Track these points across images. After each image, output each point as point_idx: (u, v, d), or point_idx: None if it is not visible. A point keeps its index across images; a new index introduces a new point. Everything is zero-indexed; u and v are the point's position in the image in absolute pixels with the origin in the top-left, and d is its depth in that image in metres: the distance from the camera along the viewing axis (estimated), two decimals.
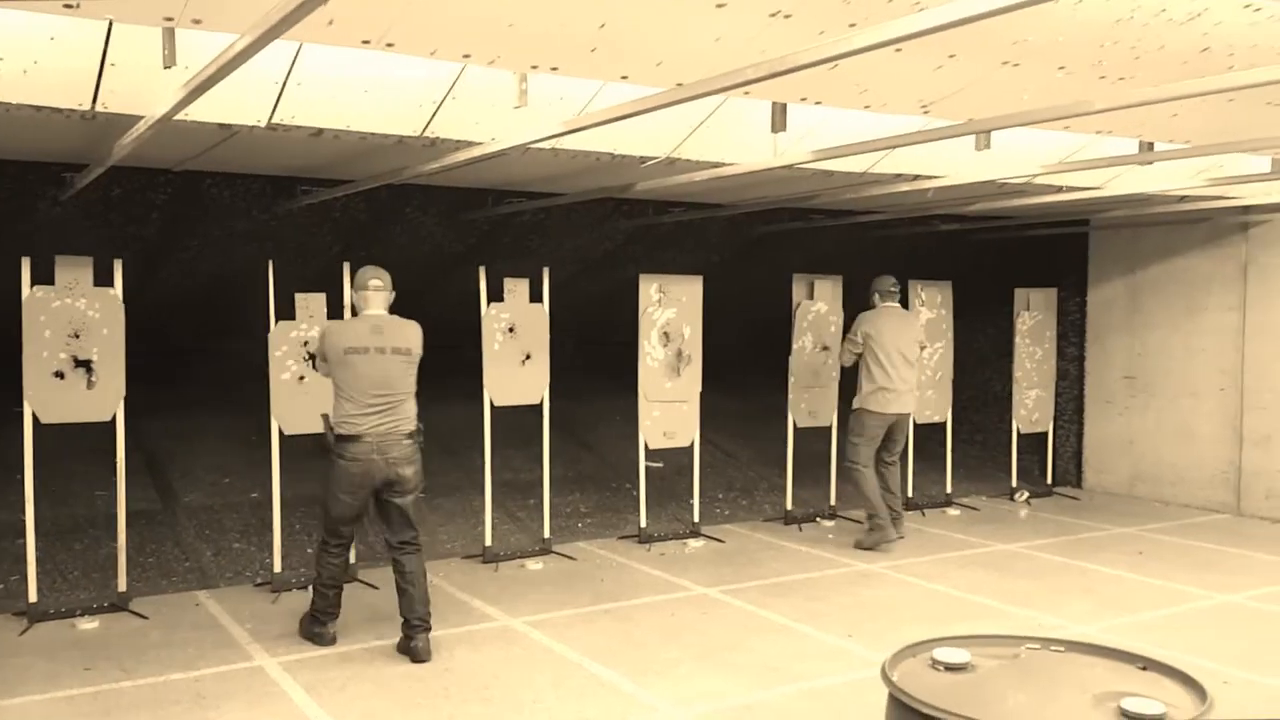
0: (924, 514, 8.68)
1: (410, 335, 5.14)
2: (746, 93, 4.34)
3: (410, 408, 5.09)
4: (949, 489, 9.08)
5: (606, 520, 8.10)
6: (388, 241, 7.88)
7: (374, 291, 5.12)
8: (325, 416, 5.09)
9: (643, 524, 7.62)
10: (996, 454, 9.98)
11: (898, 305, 7.67)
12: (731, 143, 5.46)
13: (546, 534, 7.25)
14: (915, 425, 8.80)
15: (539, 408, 7.16)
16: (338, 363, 5.00)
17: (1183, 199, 7.60)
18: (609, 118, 3.83)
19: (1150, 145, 5.73)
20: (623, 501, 8.34)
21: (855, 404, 7.54)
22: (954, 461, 9.21)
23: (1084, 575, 6.82)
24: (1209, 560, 7.21)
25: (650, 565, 7.02)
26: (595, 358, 9.61)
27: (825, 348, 8.38)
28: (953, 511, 8.80)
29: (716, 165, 5.47)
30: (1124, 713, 1.98)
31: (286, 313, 6.17)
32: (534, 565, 6.93)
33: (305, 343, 6.19)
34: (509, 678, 4.87)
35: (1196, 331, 8.92)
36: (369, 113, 4.47)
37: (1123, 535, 8.03)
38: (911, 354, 7.54)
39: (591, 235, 8.57)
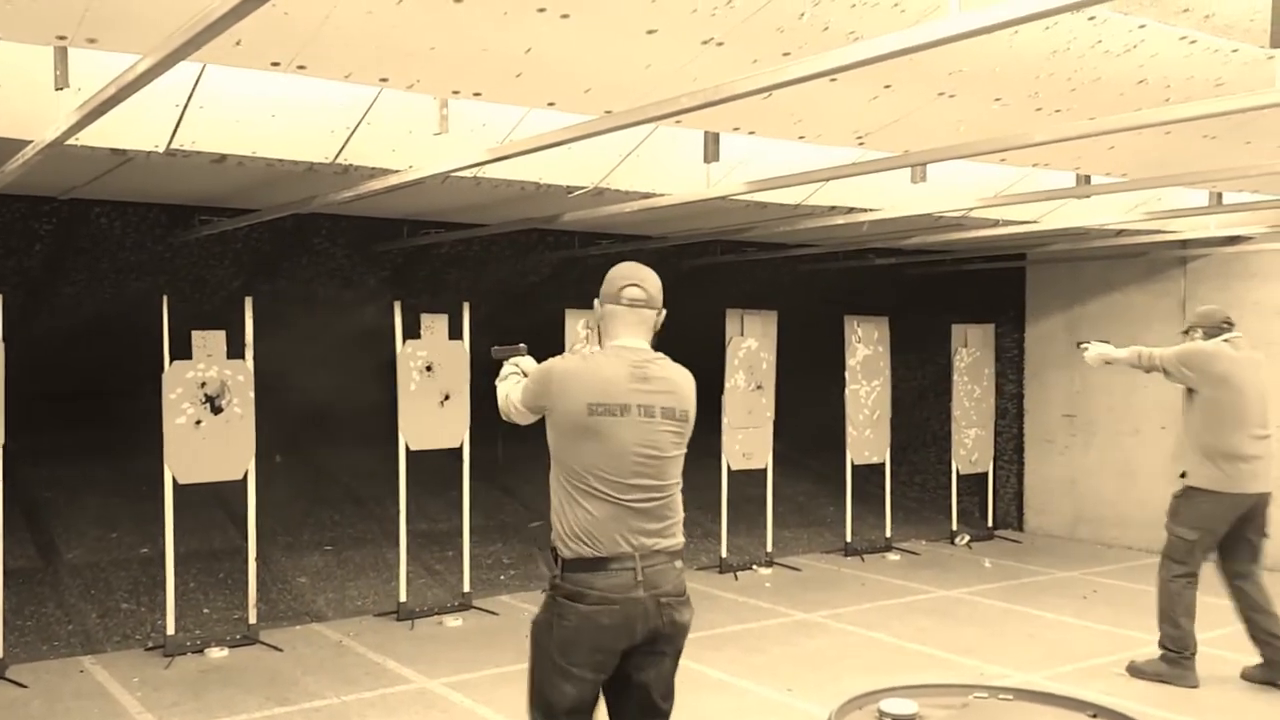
0: (863, 559, 8.79)
1: (685, 390, 3.17)
2: (678, 121, 4.42)
3: (679, 504, 3.17)
4: (888, 533, 9.22)
5: (531, 571, 8.04)
6: (293, 274, 7.79)
7: (632, 307, 3.11)
8: (539, 530, 3.42)
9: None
10: (936, 496, 10.17)
11: (1241, 345, 5.82)
12: (662, 173, 5.55)
13: (466, 588, 7.17)
14: (853, 466, 8.96)
15: (457, 452, 7.10)
16: (572, 430, 3.03)
17: (1120, 233, 7.91)
18: (534, 146, 3.87)
19: (1087, 179, 5.97)
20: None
21: (1187, 481, 5.69)
22: (893, 504, 9.37)
23: (1028, 621, 6.97)
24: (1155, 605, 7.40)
25: None
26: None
27: (759, 386, 8.48)
28: (893, 556, 8.93)
29: (647, 196, 5.55)
30: None
31: (182, 352, 6.04)
32: (453, 622, 6.84)
33: (203, 384, 6.07)
34: None
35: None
36: (276, 138, 4.44)
37: (1066, 579, 8.23)
38: (1271, 413, 5.79)
39: (515, 268, 8.58)
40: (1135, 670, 5.82)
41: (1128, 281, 9.27)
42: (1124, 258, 9.11)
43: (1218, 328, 5.77)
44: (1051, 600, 7.50)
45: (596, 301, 3.17)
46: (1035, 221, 6.99)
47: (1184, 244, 8.47)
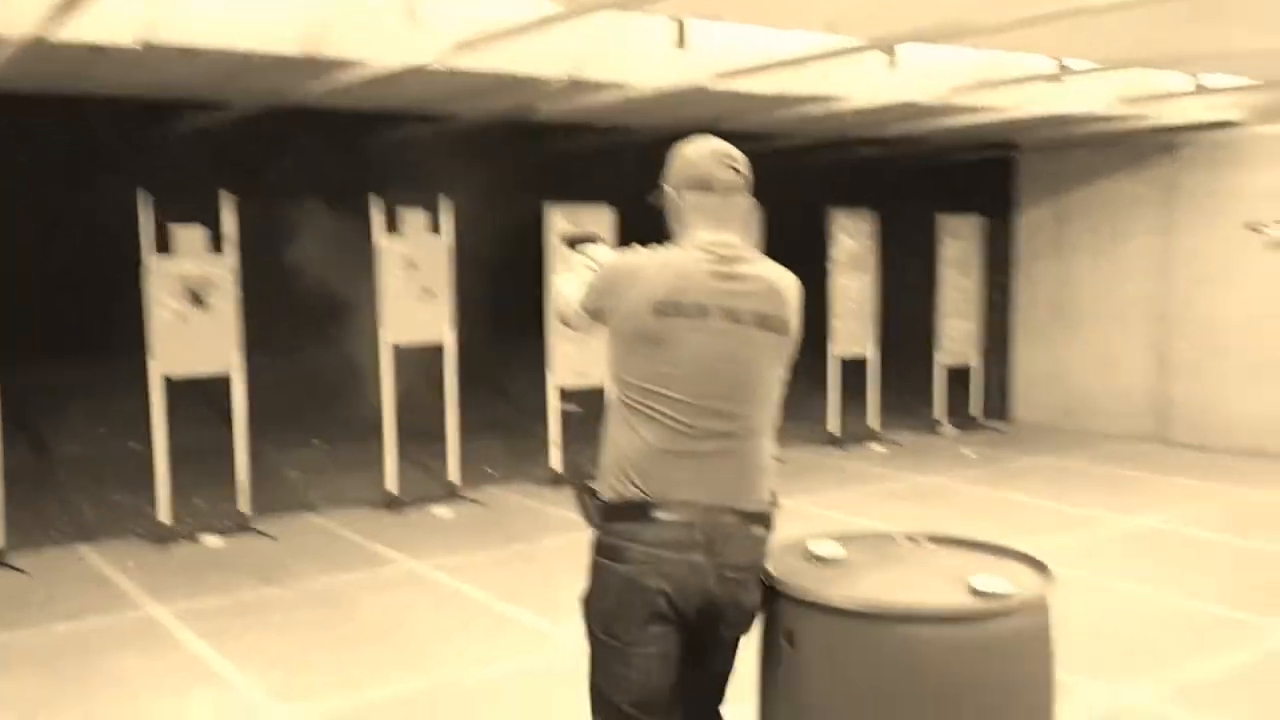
0: (848, 450, 9.16)
1: (787, 294, 2.59)
2: (643, 10, 4.61)
3: (768, 451, 2.57)
4: (873, 424, 9.57)
5: (519, 465, 8.40)
6: (272, 170, 7.97)
7: (726, 194, 2.58)
8: (578, 464, 3.07)
9: (555, 467, 7.93)
10: (922, 386, 10.49)
11: None
12: (635, 63, 5.71)
13: (455, 479, 7.52)
14: (839, 360, 9.26)
15: (439, 350, 7.38)
16: (633, 336, 2.49)
17: (1105, 120, 8.06)
18: (503, 33, 4.05)
19: (1063, 66, 6.13)
20: (535, 446, 8.63)
21: None
22: (879, 397, 9.69)
23: (1004, 505, 7.35)
24: (1131, 487, 7.80)
25: (563, 508, 7.33)
26: (503, 293, 9.83)
27: None
28: (878, 447, 9.30)
29: (620, 86, 5.72)
30: (972, 590, 2.36)
31: (164, 249, 6.28)
32: (442, 511, 7.22)
33: (185, 279, 6.32)
34: (415, 619, 5.17)
35: (1122, 257, 9.49)
36: (248, 31, 4.61)
37: (1048, 465, 8.60)
38: None
39: (495, 162, 8.75)
40: None
41: (1115, 169, 9.45)
42: (1110, 146, 9.27)
43: None
44: (1030, 485, 7.88)
45: (666, 189, 2.61)
46: (1015, 108, 7.16)
47: (1171, 130, 8.63)
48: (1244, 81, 6.86)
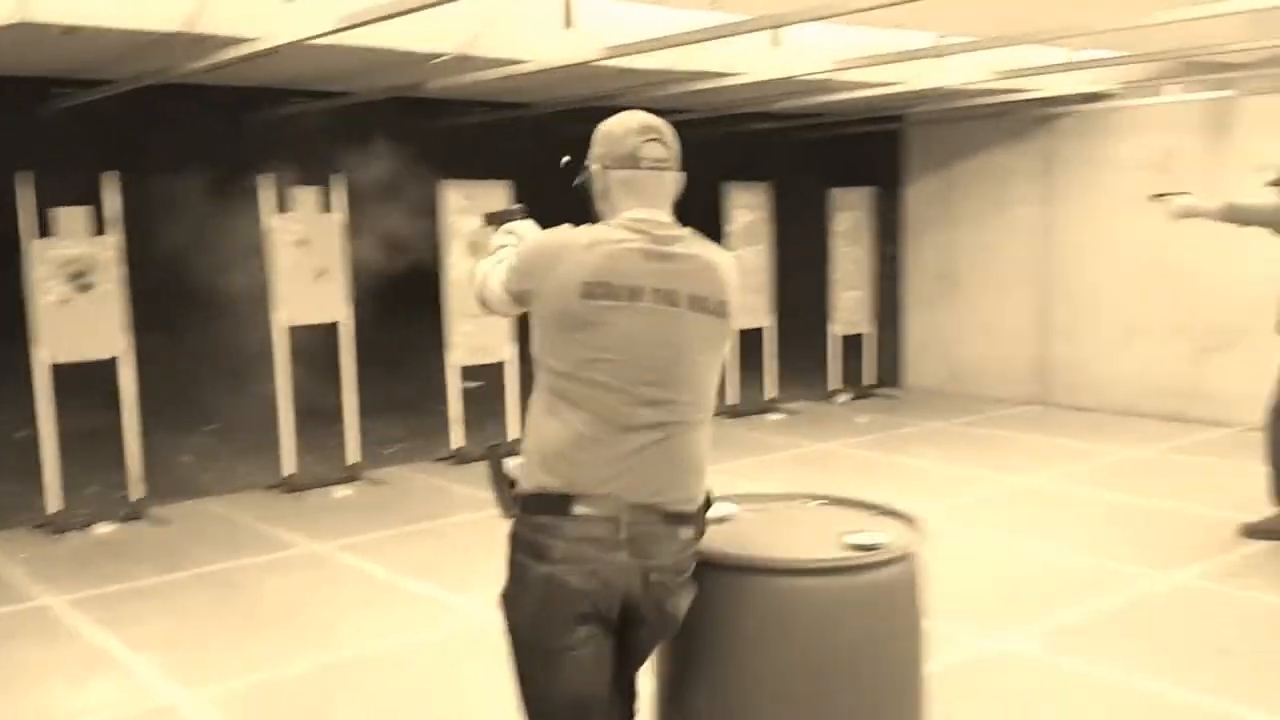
0: (746, 420, 9.40)
1: (724, 274, 2.49)
2: None
3: (704, 446, 2.47)
4: (770, 394, 9.83)
5: (419, 444, 8.45)
6: (157, 149, 7.84)
7: (655, 170, 2.48)
8: (496, 451, 2.58)
9: (458, 445, 7.99)
10: (818, 355, 10.79)
11: None
12: (525, 39, 5.78)
13: (354, 460, 7.54)
14: (739, 333, 9.47)
15: (335, 329, 7.37)
16: (559, 320, 2.37)
17: (985, 93, 8.38)
18: (389, 12, 4.10)
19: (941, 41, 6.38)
20: (436, 424, 8.67)
21: None
22: (776, 366, 9.95)
23: (893, 468, 7.66)
24: (1012, 448, 8.19)
25: (468, 485, 7.42)
26: (399, 271, 9.82)
27: None
28: (774, 416, 9.56)
29: (510, 63, 5.79)
30: (847, 544, 2.54)
31: (45, 231, 6.16)
32: (342, 492, 7.24)
33: (68, 261, 6.21)
34: (318, 599, 5.23)
35: (1004, 226, 9.89)
36: (128, 8, 4.56)
37: (936, 429, 8.96)
38: None
39: (388, 139, 8.72)
40: (1253, 530, 5.78)
41: (996, 141, 9.83)
42: (991, 118, 9.63)
43: None
44: (919, 449, 8.22)
45: (591, 166, 2.50)
46: (900, 83, 7.41)
47: (1047, 102, 9.01)
48: (1113, 55, 7.21)
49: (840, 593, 2.47)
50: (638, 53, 5.24)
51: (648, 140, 2.46)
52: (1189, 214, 5.88)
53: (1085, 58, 7.25)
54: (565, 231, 2.43)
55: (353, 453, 7.55)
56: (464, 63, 5.87)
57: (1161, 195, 5.93)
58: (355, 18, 4.23)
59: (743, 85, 6.77)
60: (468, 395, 8.26)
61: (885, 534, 2.63)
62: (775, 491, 3.14)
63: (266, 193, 6.96)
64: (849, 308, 10.22)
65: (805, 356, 11.04)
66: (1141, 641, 4.52)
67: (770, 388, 9.86)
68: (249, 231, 7.19)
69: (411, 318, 9.06)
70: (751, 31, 5.22)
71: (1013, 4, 5.62)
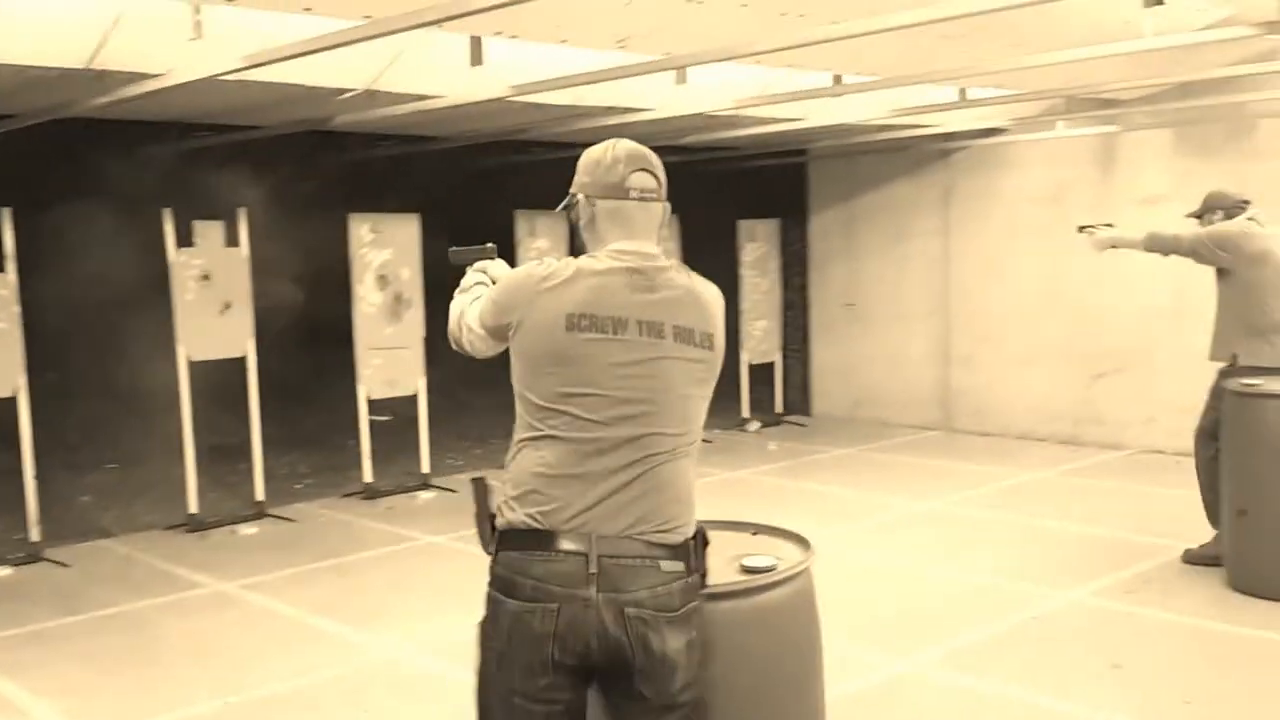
0: None
1: (710, 307, 2.46)
2: (440, 26, 4.77)
3: (689, 477, 2.42)
4: None
5: (328, 479, 8.39)
6: (57, 183, 7.71)
7: (642, 201, 2.44)
8: (480, 483, 2.48)
9: (368, 479, 7.96)
10: (728, 385, 10.99)
11: (1264, 221, 5.82)
12: (433, 74, 5.85)
13: (260, 497, 7.46)
14: None
15: (242, 364, 7.31)
16: (542, 353, 2.33)
17: (885, 128, 8.68)
18: (294, 53, 4.14)
19: (839, 79, 6.62)
20: (346, 459, 8.62)
21: (1241, 362, 5.65)
22: None
23: (801, 494, 7.84)
24: (916, 473, 8.44)
25: (377, 520, 7.40)
26: (305, 305, 9.76)
27: None
28: None
29: (419, 98, 5.85)
30: (744, 568, 2.64)
31: None
32: (247, 530, 7.15)
33: None
34: (226, 639, 5.17)
35: (905, 257, 10.21)
36: (27, 44, 4.53)
37: (843, 456, 9.19)
38: None
39: (294, 172, 8.70)
40: (1192, 557, 5.85)
41: (896, 175, 10.17)
42: (892, 152, 9.96)
43: (1237, 206, 5.79)
44: (827, 475, 8.42)
45: (577, 196, 2.44)
46: (801, 119, 7.65)
47: (944, 138, 9.37)
48: (1004, 93, 7.54)
49: (739, 615, 2.56)
50: (546, 90, 5.34)
51: (636, 170, 2.41)
52: (1113, 245, 6.11)
53: (979, 95, 7.57)
54: (548, 264, 2.37)
55: (259, 489, 7.47)
56: (372, 98, 5.91)
57: (1087, 227, 6.17)
58: (260, 56, 4.27)
59: (650, 120, 6.92)
60: (379, 429, 8.23)
61: (777, 556, 2.73)
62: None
63: (169, 227, 6.89)
64: (758, 337, 10.44)
65: (718, 386, 11.22)
66: (1040, 658, 4.72)
67: None
68: (151, 267, 7.10)
69: (320, 351, 9.03)
70: (656, 71, 5.37)
71: (909, 45, 5.86)
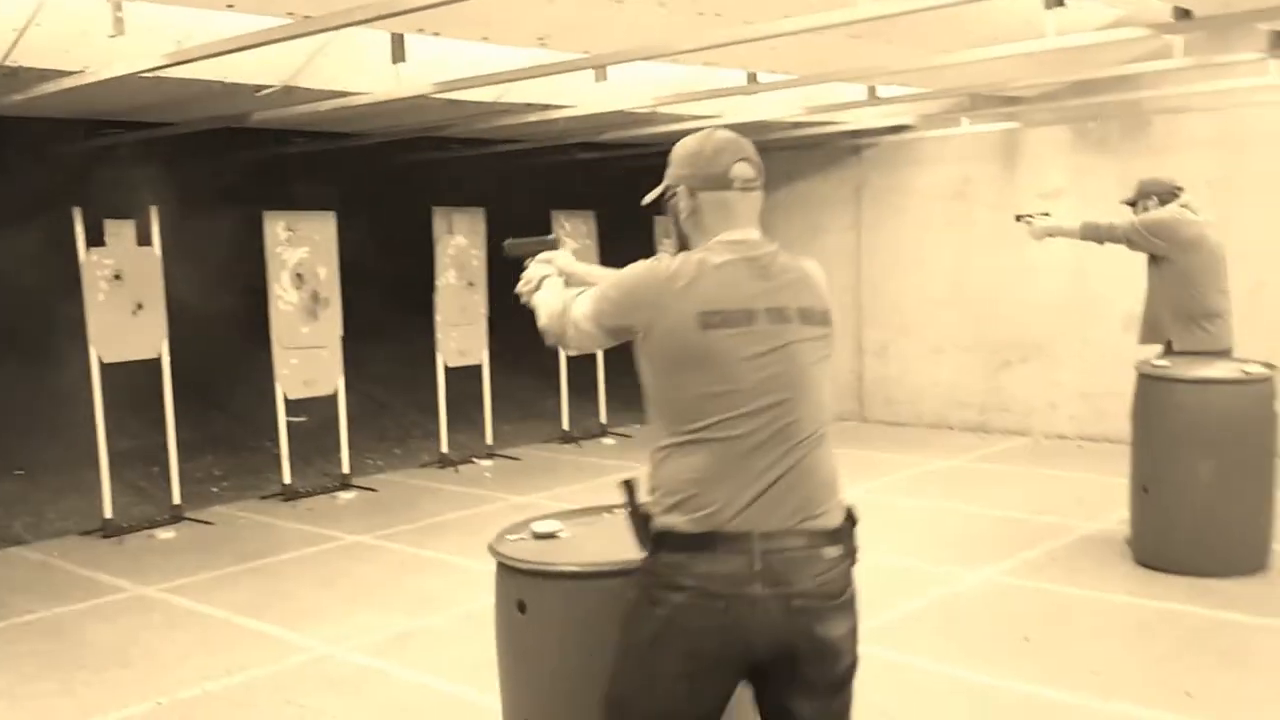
0: (580, 445, 9.63)
1: (821, 284, 2.50)
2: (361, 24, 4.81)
3: (832, 461, 2.45)
4: (603, 419, 10.09)
5: (246, 482, 8.33)
6: None
7: (745, 190, 2.44)
8: (631, 485, 2.46)
9: (287, 481, 7.92)
10: None
11: (1196, 208, 6.00)
12: (353, 70, 5.88)
13: (177, 501, 7.38)
14: (568, 357, 9.72)
15: (156, 365, 7.23)
16: (678, 355, 2.33)
17: (797, 125, 8.91)
18: (218, 50, 4.16)
19: (754, 77, 6.81)
20: (263, 461, 8.56)
21: (1177, 348, 5.87)
22: (607, 391, 10.21)
23: None
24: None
25: (297, 521, 7.38)
26: (221, 305, 9.65)
27: (471, 283, 9.00)
28: (607, 440, 9.83)
29: (339, 94, 5.87)
30: None
31: None
32: (165, 534, 7.08)
33: None
34: (153, 642, 5.14)
35: (820, 252, 10.45)
36: None
37: None
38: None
39: (207, 169, 8.61)
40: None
41: (810, 171, 10.43)
42: (806, 149, 10.22)
43: (1170, 194, 5.93)
44: None
45: (677, 189, 2.43)
46: (717, 116, 7.82)
47: (855, 135, 9.64)
48: (912, 91, 7.81)
49: None
50: (469, 87, 5.42)
51: (738, 160, 2.42)
52: (1050, 234, 6.28)
53: (888, 93, 7.82)
54: (667, 263, 2.36)
55: (175, 493, 7.40)
56: (290, 94, 5.91)
57: (1024, 217, 6.33)
58: (187, 53, 4.27)
59: (569, 117, 7.03)
60: (297, 430, 8.20)
61: None
62: (597, 505, 3.34)
63: (79, 227, 6.78)
64: None
65: (635, 380, 11.37)
66: (956, 633, 4.95)
67: (603, 412, 10.11)
68: (61, 267, 6.99)
69: (236, 351, 8.95)
70: (576, 70, 5.48)
71: (819, 44, 6.06)
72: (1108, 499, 6.58)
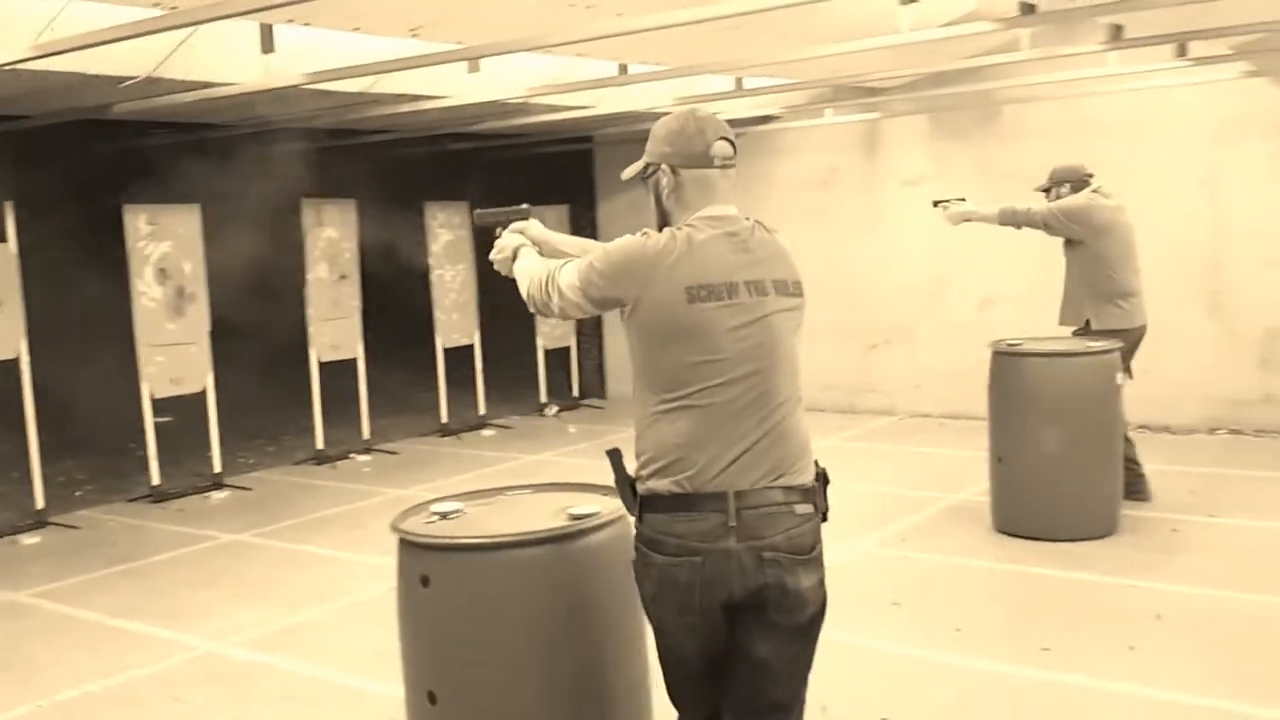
0: (459, 438, 9.69)
1: (792, 257, 2.66)
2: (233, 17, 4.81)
3: (804, 424, 2.62)
4: (482, 410, 10.16)
5: (112, 484, 8.17)
6: None
7: (725, 168, 2.61)
8: (616, 455, 2.65)
9: (156, 482, 7.79)
10: (525, 372, 11.25)
11: (1108, 192, 6.32)
12: (221, 60, 5.84)
13: (40, 505, 7.20)
14: (444, 350, 9.75)
15: (14, 366, 7.03)
16: (667, 327, 2.49)
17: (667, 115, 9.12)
18: (87, 43, 4.13)
19: (625, 68, 6.98)
20: (129, 463, 8.39)
21: (1095, 326, 6.23)
22: (485, 383, 10.29)
23: (604, 473, 8.16)
24: None
25: (169, 523, 7.28)
26: (78, 302, 9.39)
27: (343, 276, 8.97)
28: (487, 432, 9.91)
29: (205, 86, 5.83)
30: (570, 515, 2.94)
31: None
32: (29, 540, 6.91)
33: None
34: (25, 647, 5.05)
35: None
36: None
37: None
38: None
39: (65, 163, 8.38)
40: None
41: None
42: None
43: (1083, 181, 6.26)
44: (627, 453, 8.78)
45: (659, 167, 2.59)
46: (591, 106, 7.98)
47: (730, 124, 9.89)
48: (777, 82, 8.10)
49: (569, 556, 2.87)
50: (340, 78, 5.45)
51: (719, 139, 2.57)
52: (967, 219, 6.50)
53: (754, 85, 8.10)
54: (654, 238, 2.51)
55: (38, 498, 7.21)
56: (155, 85, 5.84)
57: (941, 202, 6.56)
58: (53, 45, 4.22)
59: (442, 108, 7.09)
60: (165, 429, 8.06)
61: (599, 505, 3.04)
62: (497, 487, 3.49)
63: None
64: (553, 322, 10.73)
65: (515, 372, 11.47)
66: (831, 600, 5.20)
67: (481, 404, 10.18)
68: None
69: (98, 350, 8.73)
70: (448, 61, 5.56)
71: (689, 37, 6.26)
72: (969, 472, 6.98)
